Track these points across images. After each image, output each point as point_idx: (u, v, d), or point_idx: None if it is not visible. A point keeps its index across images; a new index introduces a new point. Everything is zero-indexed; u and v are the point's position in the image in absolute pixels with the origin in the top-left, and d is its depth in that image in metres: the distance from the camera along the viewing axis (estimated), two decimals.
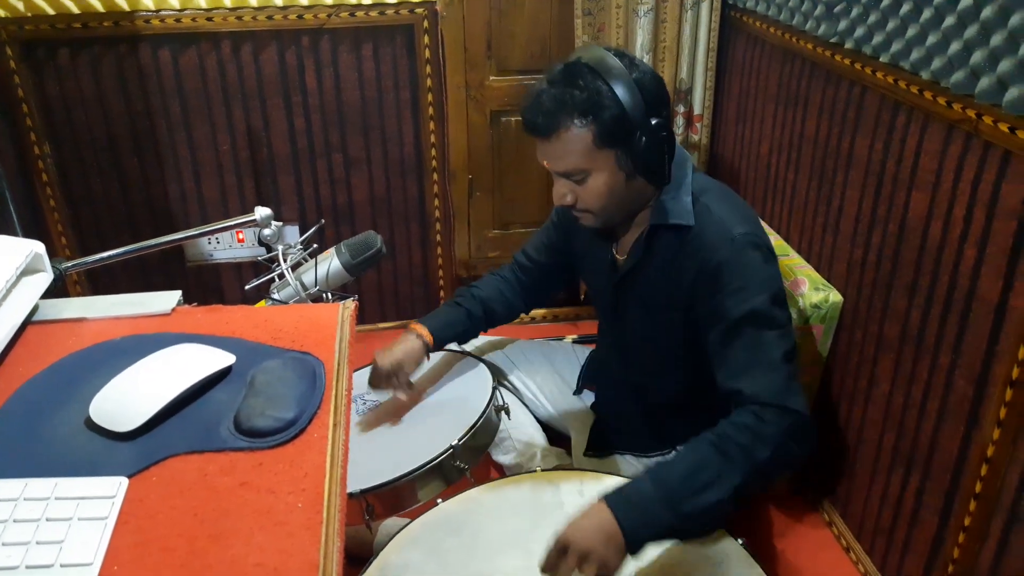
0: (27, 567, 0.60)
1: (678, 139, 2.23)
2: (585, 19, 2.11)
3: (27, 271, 0.92)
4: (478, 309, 1.67)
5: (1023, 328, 1.20)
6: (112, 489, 0.68)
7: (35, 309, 0.94)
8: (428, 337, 1.60)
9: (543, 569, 1.12)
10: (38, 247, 0.94)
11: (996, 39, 1.18)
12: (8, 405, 0.79)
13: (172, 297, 0.97)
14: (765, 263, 1.32)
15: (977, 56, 1.22)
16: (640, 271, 1.45)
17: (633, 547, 1.11)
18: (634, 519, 1.11)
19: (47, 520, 0.64)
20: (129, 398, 0.77)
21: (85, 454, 0.73)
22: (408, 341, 1.58)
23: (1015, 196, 1.20)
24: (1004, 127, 1.19)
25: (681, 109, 2.22)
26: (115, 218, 2.27)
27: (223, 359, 0.84)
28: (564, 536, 1.12)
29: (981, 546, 1.34)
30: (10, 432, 0.75)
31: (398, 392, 1.59)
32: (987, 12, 1.19)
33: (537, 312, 2.62)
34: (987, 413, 1.29)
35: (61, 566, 0.61)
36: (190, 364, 0.82)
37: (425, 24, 2.20)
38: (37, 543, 0.62)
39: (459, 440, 1.46)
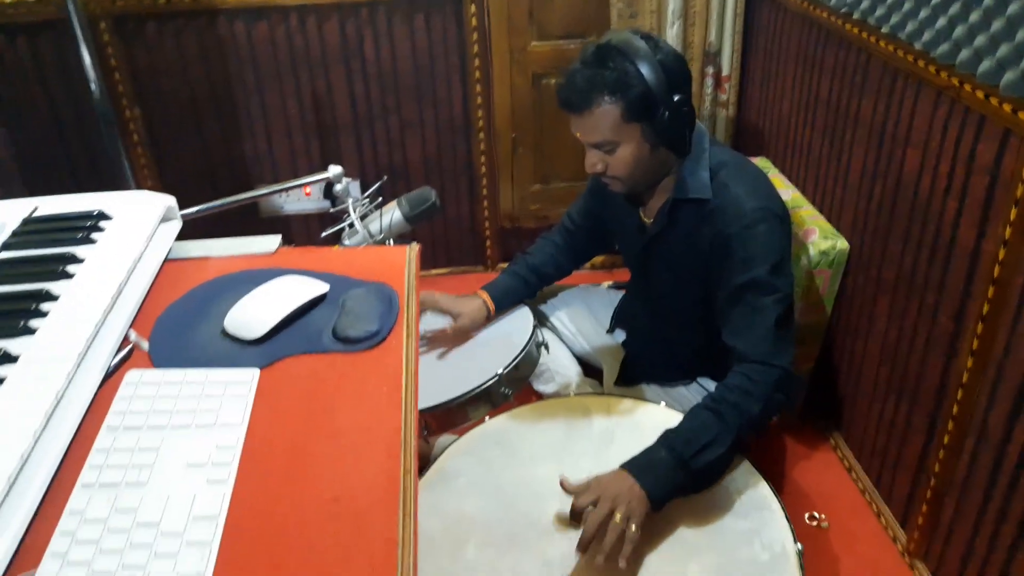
0: (196, 426, 0.85)
1: (707, 98, 2.40)
2: None
3: (164, 219, 1.17)
4: (533, 277, 1.90)
5: (992, 270, 1.37)
6: (249, 377, 0.93)
7: (169, 250, 1.19)
8: (491, 305, 1.83)
9: (575, 509, 1.28)
10: (171, 200, 1.19)
11: (974, 16, 1.34)
12: (160, 321, 1.04)
13: (275, 240, 1.21)
14: (770, 235, 1.46)
15: (959, 31, 1.38)
16: (665, 237, 1.62)
17: (656, 505, 1.29)
18: (652, 480, 1.29)
19: (205, 396, 0.89)
20: (253, 314, 1.02)
21: (224, 354, 0.98)
22: (474, 306, 1.81)
23: (988, 154, 1.37)
24: (980, 94, 1.35)
25: (710, 70, 2.38)
26: (197, 175, 2.54)
27: (320, 287, 1.08)
28: (594, 487, 1.29)
29: (957, 461, 1.54)
30: (166, 340, 1.01)
31: (454, 319, 1.81)
32: None
33: None
34: (963, 345, 1.48)
35: (220, 425, 0.86)
36: (296, 290, 1.06)
37: None
38: (201, 410, 0.87)
39: (504, 369, 1.67)
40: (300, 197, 2.61)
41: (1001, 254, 1.35)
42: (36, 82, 2.35)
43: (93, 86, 1.64)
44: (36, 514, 0.74)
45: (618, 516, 1.24)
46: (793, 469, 2.00)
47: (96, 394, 0.88)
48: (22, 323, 0.89)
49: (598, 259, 2.84)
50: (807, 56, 2.01)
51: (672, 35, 2.29)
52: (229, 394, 0.90)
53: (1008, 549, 1.41)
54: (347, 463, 0.82)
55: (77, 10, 1.56)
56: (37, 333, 0.89)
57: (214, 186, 2.54)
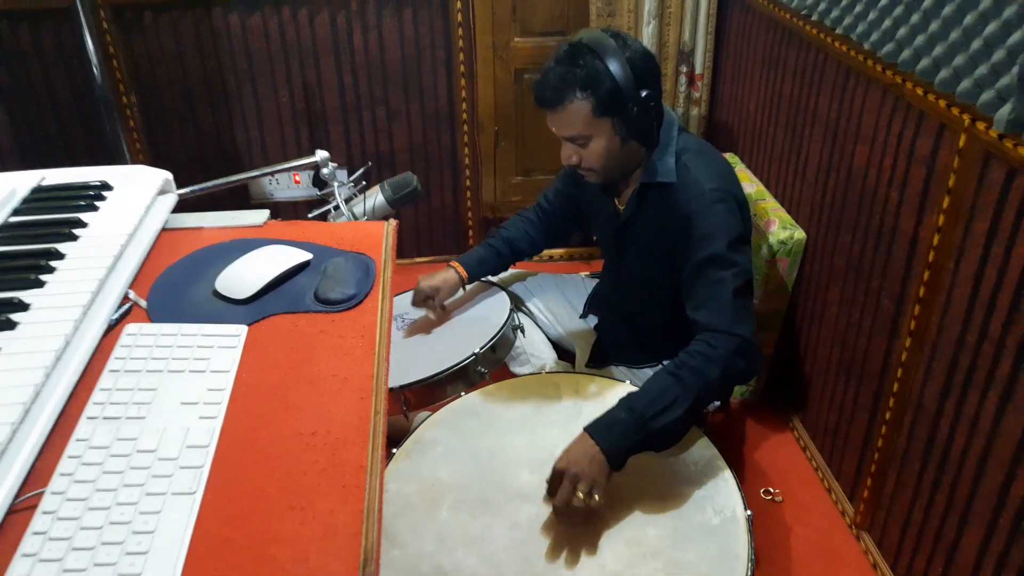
0: (190, 371, 0.95)
1: (681, 95, 2.51)
2: None
3: (161, 192, 1.27)
4: (506, 249, 1.99)
5: (928, 255, 1.49)
6: (238, 331, 1.03)
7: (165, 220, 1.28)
8: (464, 273, 1.92)
9: (550, 493, 1.37)
10: (167, 175, 1.29)
11: (915, 17, 1.45)
12: (158, 283, 1.14)
13: (263, 214, 1.31)
14: (728, 214, 1.55)
15: (902, 31, 1.49)
16: (635, 220, 1.72)
17: (615, 463, 1.35)
18: (611, 441, 1.36)
19: (198, 347, 0.99)
20: (242, 277, 1.12)
21: (216, 312, 1.08)
22: (447, 273, 1.91)
23: (926, 148, 1.48)
24: (919, 91, 1.47)
25: (684, 69, 2.49)
26: (190, 159, 2.63)
27: (304, 255, 1.18)
28: (558, 466, 1.35)
29: (897, 436, 1.65)
30: (162, 299, 1.11)
31: (431, 312, 1.92)
32: None
33: (556, 251, 2.95)
34: (903, 326, 1.59)
35: (211, 372, 0.96)
36: (282, 257, 1.16)
37: None
38: (194, 359, 0.97)
39: (480, 349, 1.78)
40: (289, 184, 2.71)
41: (935, 240, 1.46)
42: (37, 68, 2.44)
43: (96, 72, 1.73)
44: (46, 442, 0.84)
45: (581, 492, 1.31)
46: (753, 448, 2.12)
47: (99, 343, 0.98)
48: (33, 276, 0.99)
49: (575, 250, 2.95)
50: (772, 56, 2.12)
51: (648, 34, 2.40)
52: (219, 346, 1.00)
53: (941, 516, 1.52)
54: (324, 404, 0.93)
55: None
56: (47, 286, 0.99)
57: (206, 171, 2.62)
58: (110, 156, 2.31)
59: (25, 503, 0.78)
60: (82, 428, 0.86)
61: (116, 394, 0.91)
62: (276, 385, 0.95)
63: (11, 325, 0.92)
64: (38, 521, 0.76)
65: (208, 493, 0.80)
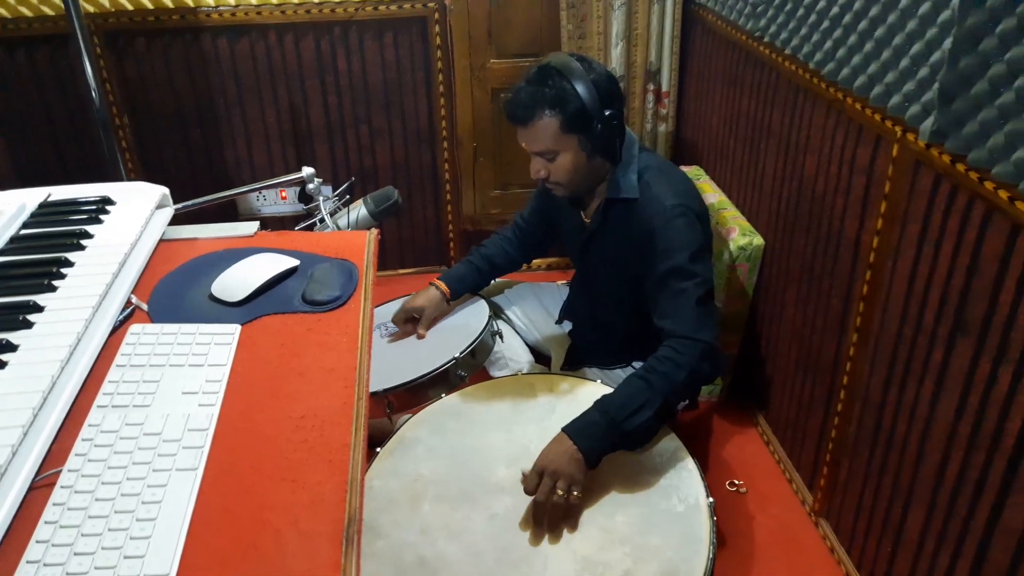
0: (189, 365, 1.06)
1: (649, 112, 2.64)
2: (569, 11, 2.51)
3: (159, 206, 1.37)
4: (485, 265, 2.10)
5: (869, 256, 1.61)
6: (232, 330, 1.13)
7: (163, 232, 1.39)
8: (446, 290, 2.01)
9: (527, 491, 1.43)
10: (164, 190, 1.39)
11: (852, 39, 1.59)
12: (158, 288, 1.24)
13: (253, 225, 1.42)
14: (689, 228, 1.64)
15: (841, 51, 1.62)
16: (601, 234, 1.82)
17: (590, 461, 1.45)
18: (587, 441, 1.45)
19: (196, 344, 1.10)
20: (236, 281, 1.22)
21: (212, 313, 1.19)
22: (430, 292, 2.00)
23: (865, 157, 1.61)
24: (858, 106, 1.60)
25: (651, 87, 2.62)
26: (180, 178, 2.73)
27: (292, 261, 1.29)
28: (538, 465, 1.44)
29: (848, 427, 1.77)
30: (162, 302, 1.21)
31: (418, 328, 2.01)
32: (847, 18, 1.60)
33: (535, 262, 3.06)
34: (850, 323, 1.72)
35: (209, 366, 1.06)
36: (272, 263, 1.27)
37: (436, 16, 2.61)
38: (193, 354, 1.08)
39: (460, 353, 1.86)
40: (276, 200, 2.82)
41: (875, 242, 1.59)
42: (33, 91, 2.54)
43: (94, 95, 1.83)
44: (61, 427, 0.94)
45: (560, 490, 1.40)
46: (720, 444, 2.23)
47: (106, 342, 1.08)
48: (47, 281, 1.09)
49: (553, 261, 3.07)
50: (731, 75, 2.25)
51: (616, 55, 2.53)
52: (216, 343, 1.11)
53: (888, 499, 1.64)
54: (312, 391, 1.03)
55: (82, 26, 1.75)
56: (59, 290, 1.09)
57: (197, 188, 2.68)
58: (104, 175, 2.39)
59: (44, 480, 0.88)
60: (94, 415, 0.96)
61: (123, 385, 1.01)
62: (268, 376, 1.06)
63: (29, 324, 1.02)
64: (57, 494, 0.85)
65: (208, 469, 0.90)
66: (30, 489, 0.86)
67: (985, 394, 1.32)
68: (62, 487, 0.86)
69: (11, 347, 0.98)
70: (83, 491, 0.86)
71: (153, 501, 0.85)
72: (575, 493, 1.42)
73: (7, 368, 0.96)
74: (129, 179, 2.66)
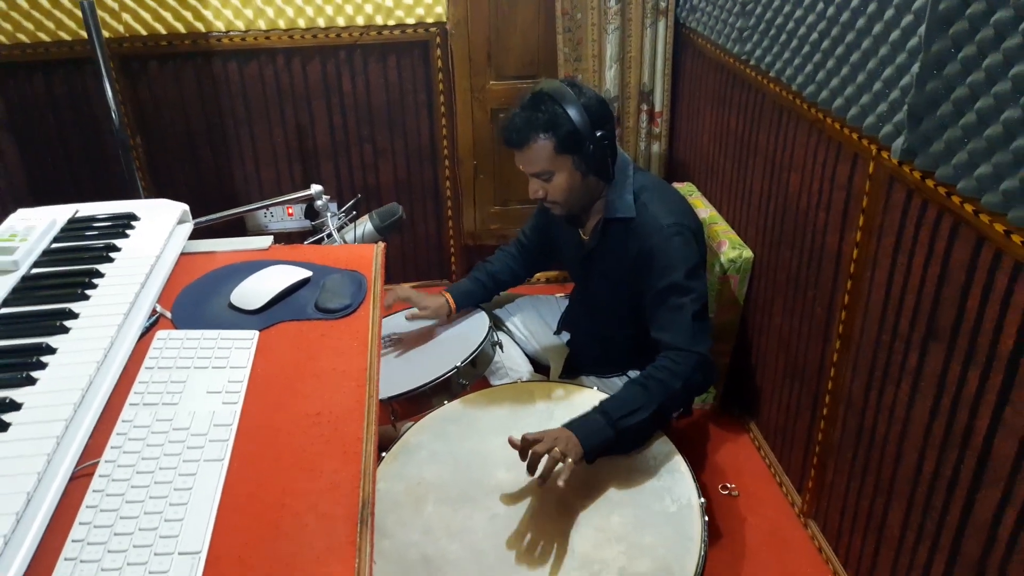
0: (213, 367, 1.14)
1: (643, 131, 2.74)
2: (565, 35, 2.62)
3: (180, 222, 1.46)
4: (490, 281, 2.19)
5: (849, 267, 1.71)
6: (251, 335, 1.22)
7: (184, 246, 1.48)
8: (452, 304, 2.11)
9: (525, 447, 1.52)
10: (184, 206, 1.48)
11: (830, 63, 1.68)
12: (181, 297, 1.33)
13: (268, 239, 1.51)
14: (685, 246, 1.73)
15: (820, 75, 1.72)
16: (599, 251, 1.90)
17: (589, 456, 1.53)
18: (588, 437, 1.53)
19: (218, 348, 1.18)
20: (253, 291, 1.31)
21: (231, 320, 1.27)
22: (440, 300, 2.10)
23: (844, 174, 1.71)
24: (836, 125, 1.69)
25: (645, 107, 2.72)
26: (192, 196, 2.80)
27: (305, 272, 1.38)
28: (537, 434, 1.53)
29: (833, 429, 1.85)
30: (185, 310, 1.30)
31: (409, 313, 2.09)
32: (825, 44, 1.70)
33: (536, 276, 3.15)
34: (833, 330, 1.80)
35: (230, 367, 1.15)
36: (287, 274, 1.36)
37: (437, 40, 2.72)
38: (216, 357, 1.16)
39: (462, 363, 1.94)
40: (283, 217, 2.91)
41: (855, 254, 1.68)
42: (49, 113, 2.64)
43: (114, 116, 1.93)
44: (97, 424, 1.02)
45: (557, 450, 1.49)
46: (714, 450, 2.31)
47: (135, 347, 1.17)
48: (79, 291, 1.18)
49: (552, 274, 3.16)
50: (720, 96, 2.36)
51: (611, 76, 2.63)
52: (236, 347, 1.19)
53: (870, 497, 1.72)
54: (326, 390, 1.12)
55: (103, 52, 1.85)
56: (91, 299, 1.18)
57: (207, 206, 2.77)
58: (115, 192, 2.50)
59: (84, 471, 0.96)
60: (127, 412, 1.04)
61: (152, 386, 1.09)
62: (286, 377, 1.14)
63: (65, 330, 1.11)
64: (97, 482, 0.94)
65: (233, 460, 0.98)
66: (72, 479, 0.94)
67: (956, 395, 1.41)
68: (100, 476, 0.94)
69: (51, 350, 1.07)
70: (120, 479, 0.94)
71: (184, 488, 0.93)
72: (569, 460, 1.49)
73: (48, 368, 1.04)
74: (143, 197, 2.76)
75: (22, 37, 2.52)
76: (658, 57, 2.63)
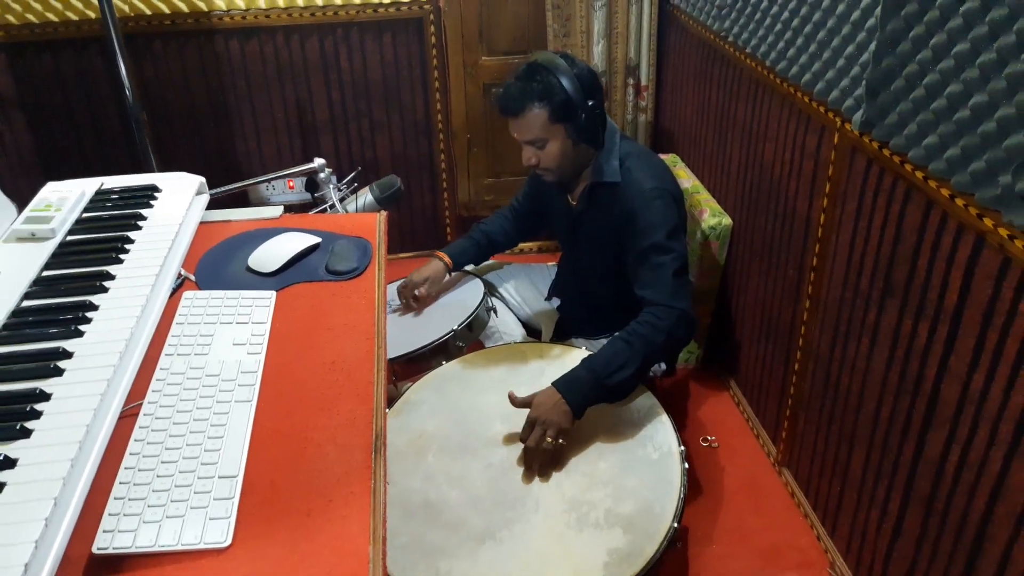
0: (237, 322, 1.27)
1: (630, 104, 2.85)
2: (554, 11, 2.72)
3: (198, 193, 1.58)
4: (485, 240, 2.29)
5: (817, 231, 1.84)
6: (269, 295, 1.34)
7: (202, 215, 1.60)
8: (448, 262, 2.21)
9: (523, 439, 1.62)
10: (201, 179, 1.60)
11: (800, 41, 1.80)
12: (203, 261, 1.46)
13: (279, 209, 1.63)
14: (666, 208, 1.82)
15: (791, 51, 1.84)
16: (586, 215, 2.01)
17: (577, 412, 1.63)
18: (574, 393, 1.64)
19: (240, 306, 1.31)
20: (269, 255, 1.44)
21: (250, 282, 1.40)
22: (434, 263, 2.20)
23: (813, 144, 1.83)
24: (806, 99, 1.82)
25: (631, 81, 2.83)
26: (196, 170, 2.90)
27: (315, 239, 1.50)
28: (530, 416, 1.62)
29: (803, 382, 2.00)
30: (208, 273, 1.42)
31: (420, 289, 2.21)
32: (795, 23, 1.81)
33: (527, 245, 3.27)
34: (803, 291, 1.94)
35: (252, 323, 1.28)
36: (299, 240, 1.48)
37: (431, 17, 2.82)
38: (238, 314, 1.29)
39: (459, 326, 2.06)
40: (284, 190, 3.02)
41: (822, 219, 1.81)
42: (57, 90, 2.74)
43: (128, 94, 2.03)
44: (138, 372, 1.15)
45: (549, 438, 1.59)
46: (696, 406, 2.46)
47: (165, 306, 1.29)
48: (113, 255, 1.30)
49: (542, 244, 3.28)
50: (702, 71, 2.47)
51: (598, 51, 2.74)
52: (257, 305, 1.32)
53: (836, 444, 1.87)
54: (339, 342, 1.25)
55: (116, 32, 1.95)
56: (125, 262, 1.30)
57: (209, 180, 2.89)
58: (123, 167, 2.60)
59: (130, 411, 1.09)
60: (163, 361, 1.17)
61: (184, 339, 1.22)
62: (302, 331, 1.27)
63: (104, 289, 1.23)
64: (142, 420, 1.07)
65: (260, 401, 1.12)
66: (120, 417, 1.07)
67: (908, 347, 1.55)
68: (145, 415, 1.08)
69: (93, 307, 1.19)
70: (162, 417, 1.07)
71: (219, 424, 1.07)
72: (560, 441, 1.62)
73: (92, 323, 1.17)
74: (146, 170, 2.86)
75: (31, 17, 2.61)
76: (643, 33, 2.73)
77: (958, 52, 1.29)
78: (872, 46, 1.50)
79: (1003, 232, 1.24)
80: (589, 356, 1.74)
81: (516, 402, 1.70)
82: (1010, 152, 1.19)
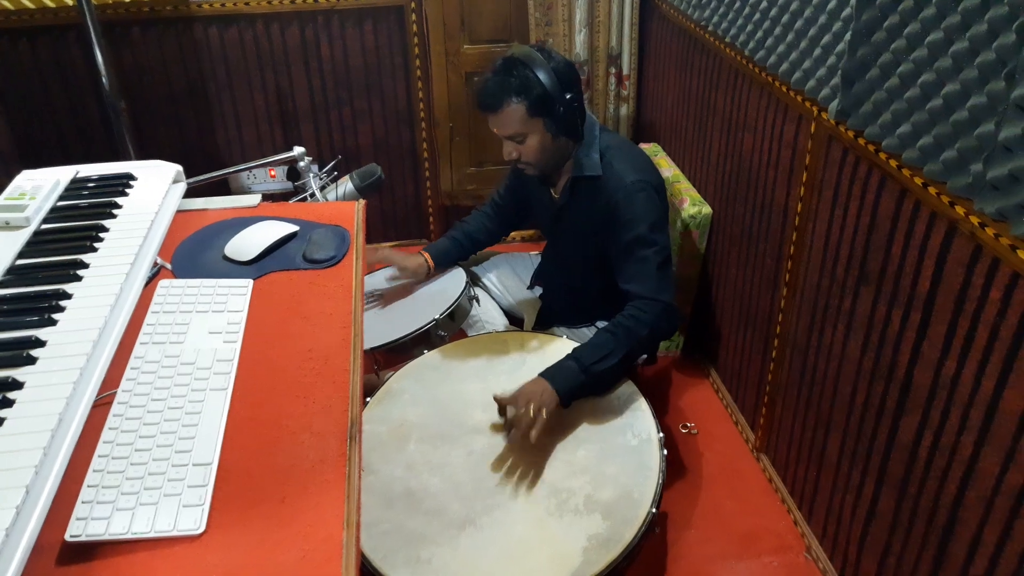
0: (212, 311, 1.27)
1: (612, 93, 2.86)
2: (536, 1, 2.71)
3: (175, 181, 1.58)
4: (467, 240, 2.30)
5: (794, 220, 1.85)
6: (246, 284, 1.34)
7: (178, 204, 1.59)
8: (431, 263, 2.23)
9: (500, 412, 1.66)
10: (178, 167, 1.59)
11: (778, 31, 1.81)
12: (179, 250, 1.45)
13: (256, 197, 1.63)
14: (648, 201, 1.83)
15: (769, 41, 1.85)
16: (569, 208, 2.01)
17: (564, 401, 1.66)
18: (561, 382, 1.66)
19: (217, 294, 1.31)
20: (246, 244, 1.43)
21: (227, 271, 1.40)
22: (419, 260, 2.21)
23: (790, 133, 1.85)
24: (783, 88, 1.83)
25: (613, 70, 2.83)
26: (175, 158, 2.87)
27: (293, 227, 1.50)
28: (515, 395, 1.65)
29: (781, 370, 2.02)
30: (184, 262, 1.42)
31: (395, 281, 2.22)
32: (773, 12, 1.82)
33: (511, 235, 3.26)
34: (781, 278, 1.96)
35: (228, 311, 1.28)
36: (276, 228, 1.48)
37: (412, 5, 2.80)
38: (215, 303, 1.29)
39: (440, 315, 2.07)
40: (265, 178, 3.01)
41: (799, 207, 1.83)
42: (35, 78, 2.71)
43: (104, 82, 2.01)
44: (113, 359, 1.15)
45: (531, 410, 1.61)
46: (677, 395, 2.48)
47: (140, 294, 1.29)
48: (88, 243, 1.30)
49: (527, 233, 3.29)
50: (683, 60, 2.48)
51: (580, 40, 2.74)
52: (233, 293, 1.32)
53: (812, 429, 1.89)
54: (316, 330, 1.25)
55: (93, 20, 1.93)
56: (99, 251, 1.30)
57: (190, 168, 2.85)
58: (102, 156, 2.58)
59: (103, 400, 1.09)
60: (138, 350, 1.17)
61: (159, 327, 1.22)
62: (279, 320, 1.27)
63: (79, 278, 1.22)
64: (116, 408, 1.07)
65: (236, 390, 1.12)
66: (93, 406, 1.07)
67: (882, 333, 1.57)
68: (119, 403, 1.08)
69: (67, 295, 1.18)
70: (136, 405, 1.07)
71: (194, 412, 1.07)
72: (544, 414, 1.62)
73: (66, 312, 1.16)
74: (125, 158, 2.84)
75: (6, 3, 2.58)
76: (625, 22, 2.74)
77: (931, 41, 1.30)
78: (848, 36, 1.51)
79: (974, 220, 1.26)
80: (576, 348, 1.76)
81: (502, 402, 1.70)
82: (981, 141, 1.21)
